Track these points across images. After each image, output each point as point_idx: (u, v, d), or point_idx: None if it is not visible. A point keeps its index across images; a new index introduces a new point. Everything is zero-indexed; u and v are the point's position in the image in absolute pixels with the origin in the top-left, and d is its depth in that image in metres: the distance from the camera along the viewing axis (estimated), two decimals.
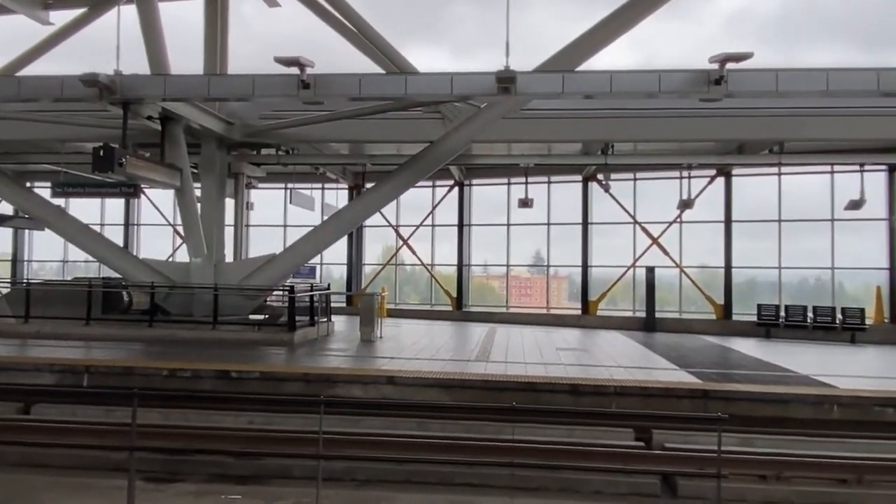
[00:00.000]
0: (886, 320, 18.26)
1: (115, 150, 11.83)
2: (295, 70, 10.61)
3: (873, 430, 8.44)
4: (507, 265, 23.35)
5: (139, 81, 11.71)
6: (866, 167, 17.16)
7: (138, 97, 12.13)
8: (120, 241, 24.15)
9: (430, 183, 22.86)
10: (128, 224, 25.59)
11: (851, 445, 7.67)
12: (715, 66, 9.93)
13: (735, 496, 6.45)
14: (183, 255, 20.16)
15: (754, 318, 19.05)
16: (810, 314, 18.53)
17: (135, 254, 22.33)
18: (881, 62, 29.35)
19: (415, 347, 13.85)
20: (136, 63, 14.34)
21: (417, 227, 24.06)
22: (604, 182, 19.98)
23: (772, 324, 18.67)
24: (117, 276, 16.47)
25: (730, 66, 9.92)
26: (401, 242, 24.40)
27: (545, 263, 23.44)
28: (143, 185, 17.03)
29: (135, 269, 15.52)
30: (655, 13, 12.54)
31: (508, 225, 22.95)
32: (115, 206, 25.16)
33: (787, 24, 37.51)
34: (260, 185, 21.45)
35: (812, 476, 6.92)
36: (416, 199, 23.50)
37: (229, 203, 17.61)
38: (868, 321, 18.01)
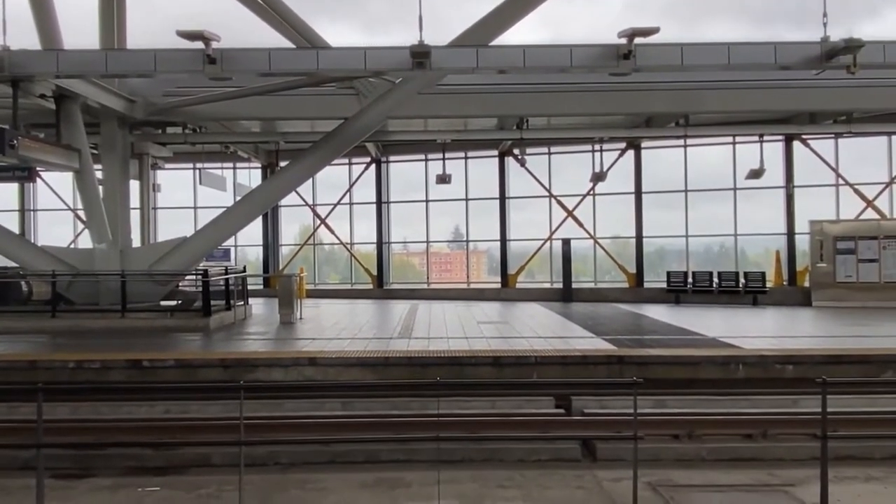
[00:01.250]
0: (785, 283, 19.41)
1: (5, 131, 11.15)
2: (200, 44, 10.16)
3: (775, 386, 8.96)
4: (427, 241, 23.38)
5: (29, 57, 11.00)
6: (765, 138, 17.99)
7: (29, 74, 11.40)
8: (15, 229, 22.73)
9: (346, 160, 22.54)
10: (24, 210, 24.08)
11: (756, 402, 8.12)
12: (623, 40, 10.14)
13: (651, 456, 6.71)
14: (86, 242, 19.18)
15: (664, 285, 19.86)
16: (716, 279, 19.46)
17: (33, 241, 21.07)
18: (772, 36, 30.85)
19: (336, 327, 13.71)
20: (26, 38, 13.46)
21: (335, 205, 23.73)
22: (520, 157, 20.24)
23: (680, 290, 19.49)
24: (14, 265, 15.50)
25: (638, 40, 10.13)
26: (318, 222, 24.02)
27: (464, 239, 23.63)
28: (38, 168, 16.05)
29: (33, 257, 14.60)
30: None
31: (427, 201, 22.94)
32: (9, 190, 23.61)
33: (688, 2, 38.75)
34: (167, 165, 20.52)
35: (721, 433, 7.27)
36: (332, 177, 23.22)
37: (134, 185, 16.80)
38: (768, 284, 19.08)
